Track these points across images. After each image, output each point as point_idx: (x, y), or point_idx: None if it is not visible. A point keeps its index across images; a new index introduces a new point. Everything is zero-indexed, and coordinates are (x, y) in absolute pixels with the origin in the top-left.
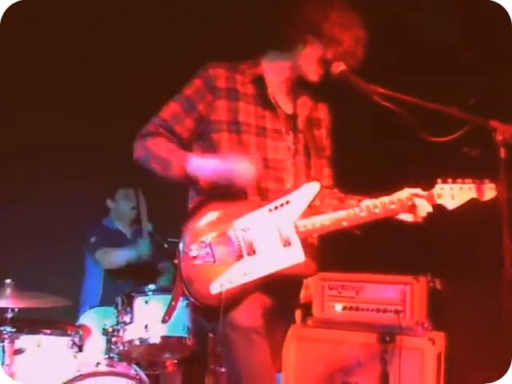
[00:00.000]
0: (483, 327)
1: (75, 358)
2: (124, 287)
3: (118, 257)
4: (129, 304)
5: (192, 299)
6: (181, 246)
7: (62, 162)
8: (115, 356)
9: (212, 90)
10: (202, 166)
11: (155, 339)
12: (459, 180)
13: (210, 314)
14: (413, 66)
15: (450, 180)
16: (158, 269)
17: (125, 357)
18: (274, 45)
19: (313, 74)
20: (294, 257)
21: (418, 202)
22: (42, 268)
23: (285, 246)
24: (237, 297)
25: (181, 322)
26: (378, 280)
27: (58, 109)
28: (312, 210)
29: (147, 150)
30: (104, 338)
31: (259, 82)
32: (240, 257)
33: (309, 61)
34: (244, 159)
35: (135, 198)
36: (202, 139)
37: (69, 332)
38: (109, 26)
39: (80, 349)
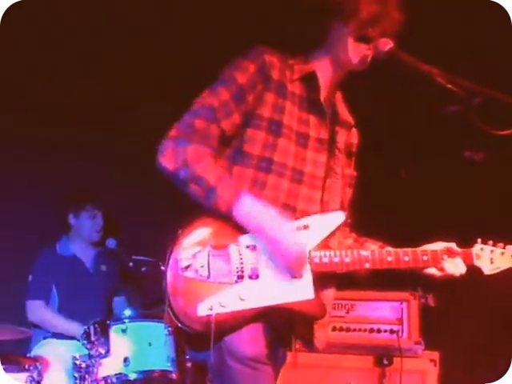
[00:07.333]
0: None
1: None
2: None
3: (53, 326)
4: (103, 334)
5: (172, 317)
6: (173, 250)
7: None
8: None
9: (265, 79)
10: (255, 215)
11: (136, 375)
12: (500, 244)
13: (196, 342)
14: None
15: (490, 242)
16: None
17: None
18: (303, 41)
19: (355, 56)
20: (302, 292)
21: (453, 259)
22: None
23: (294, 276)
24: (229, 324)
25: (164, 353)
26: (370, 297)
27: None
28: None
29: (187, 164)
30: (66, 371)
31: (310, 80)
32: (240, 278)
33: (345, 43)
34: (303, 245)
35: (102, 220)
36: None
37: (26, 366)
38: (110, 25)
39: None
